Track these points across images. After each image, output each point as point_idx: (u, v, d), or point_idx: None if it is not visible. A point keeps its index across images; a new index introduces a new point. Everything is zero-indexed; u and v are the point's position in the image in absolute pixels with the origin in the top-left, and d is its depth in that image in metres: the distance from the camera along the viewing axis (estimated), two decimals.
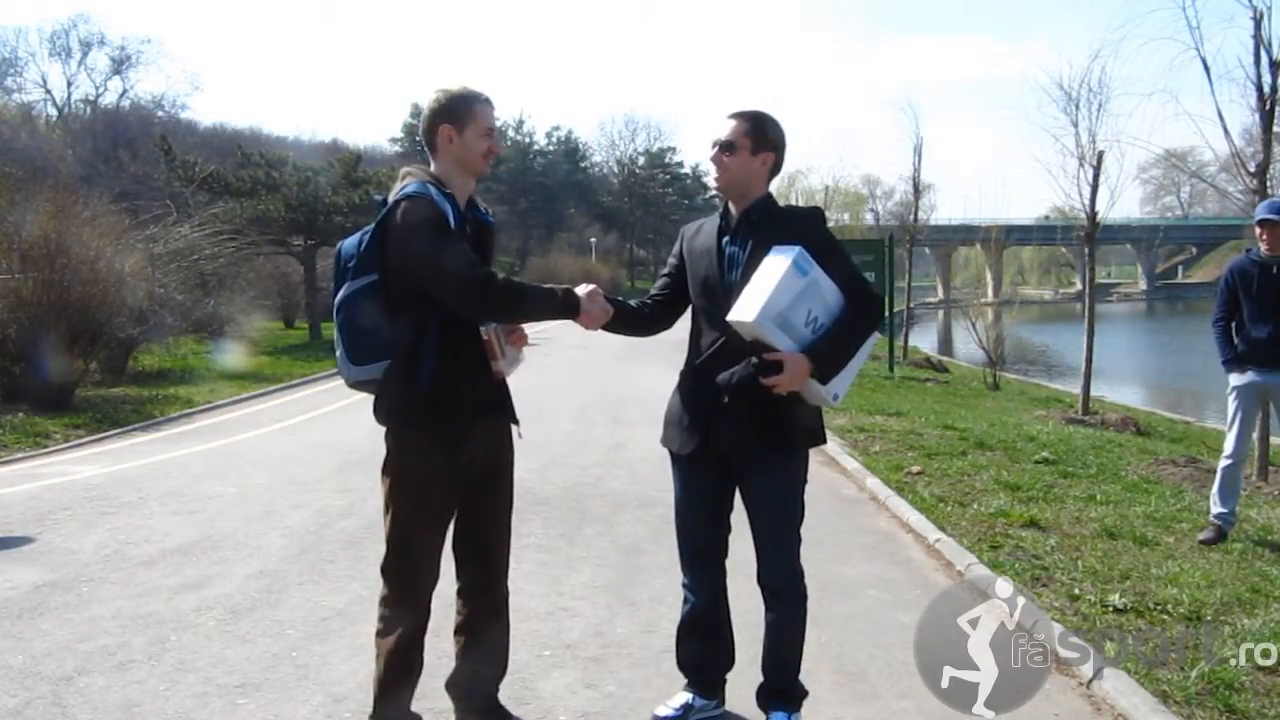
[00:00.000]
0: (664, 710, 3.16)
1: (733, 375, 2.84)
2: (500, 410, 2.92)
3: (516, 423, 2.98)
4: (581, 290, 2.90)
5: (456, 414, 2.75)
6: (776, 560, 3.00)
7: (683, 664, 3.21)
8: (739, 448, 2.95)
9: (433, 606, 2.87)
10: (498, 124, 2.92)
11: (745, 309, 2.77)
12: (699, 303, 3.06)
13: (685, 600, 3.17)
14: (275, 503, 6.51)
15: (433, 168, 2.86)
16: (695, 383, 3.02)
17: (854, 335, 2.91)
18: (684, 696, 3.18)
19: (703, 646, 3.17)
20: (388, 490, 2.82)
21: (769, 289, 2.74)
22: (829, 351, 2.83)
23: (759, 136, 2.96)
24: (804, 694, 3.09)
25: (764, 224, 2.96)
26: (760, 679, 3.09)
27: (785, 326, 2.77)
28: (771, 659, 3.07)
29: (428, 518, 2.80)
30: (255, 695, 3.43)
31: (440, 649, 3.07)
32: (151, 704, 3.37)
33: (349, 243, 2.80)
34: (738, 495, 3.08)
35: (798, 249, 2.81)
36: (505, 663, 3.06)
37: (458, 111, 2.78)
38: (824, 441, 3.13)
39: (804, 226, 2.97)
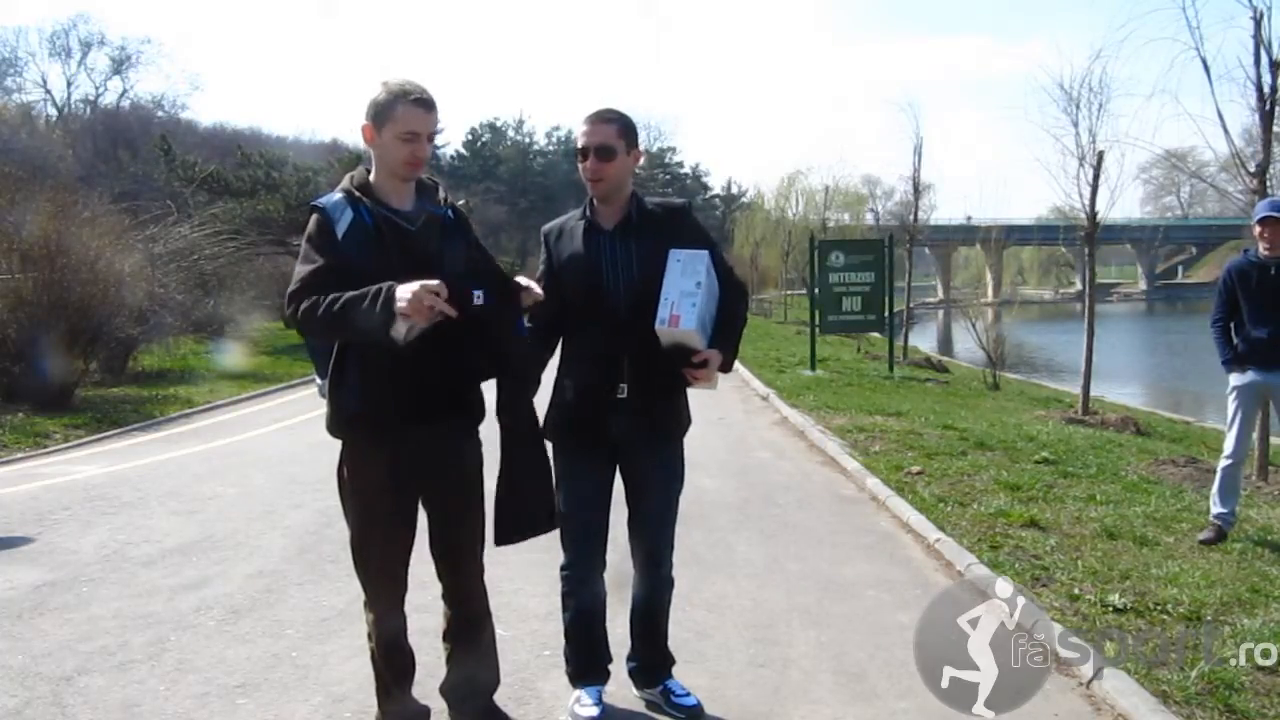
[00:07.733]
0: (586, 711, 3.17)
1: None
2: (455, 413, 2.78)
3: (476, 424, 2.84)
4: (404, 287, 2.41)
5: (391, 423, 2.67)
6: (664, 535, 3.21)
7: (594, 663, 3.25)
8: (640, 436, 3.05)
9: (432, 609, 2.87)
10: (441, 127, 2.73)
11: (681, 319, 2.83)
12: (580, 302, 3.00)
13: (578, 592, 3.20)
14: (275, 503, 6.50)
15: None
16: (589, 378, 3.02)
17: (741, 327, 3.12)
18: (594, 691, 3.23)
19: (599, 637, 3.25)
20: (341, 501, 2.83)
21: (697, 297, 2.85)
22: (734, 346, 3.05)
23: (630, 137, 3.00)
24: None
25: (643, 224, 3.02)
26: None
27: (704, 329, 2.91)
28: (652, 631, 3.25)
29: (378, 526, 2.79)
30: (255, 695, 3.43)
31: (440, 649, 3.07)
32: (151, 704, 3.37)
33: None
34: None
35: (705, 256, 2.92)
36: (496, 671, 3.04)
37: (377, 109, 2.62)
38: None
39: (679, 223, 3.06)
